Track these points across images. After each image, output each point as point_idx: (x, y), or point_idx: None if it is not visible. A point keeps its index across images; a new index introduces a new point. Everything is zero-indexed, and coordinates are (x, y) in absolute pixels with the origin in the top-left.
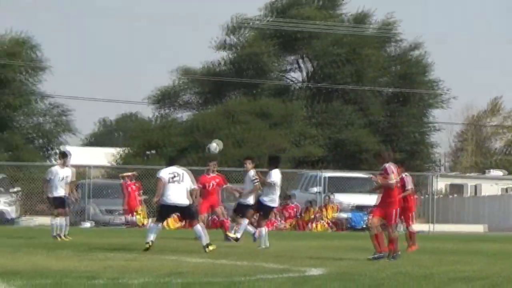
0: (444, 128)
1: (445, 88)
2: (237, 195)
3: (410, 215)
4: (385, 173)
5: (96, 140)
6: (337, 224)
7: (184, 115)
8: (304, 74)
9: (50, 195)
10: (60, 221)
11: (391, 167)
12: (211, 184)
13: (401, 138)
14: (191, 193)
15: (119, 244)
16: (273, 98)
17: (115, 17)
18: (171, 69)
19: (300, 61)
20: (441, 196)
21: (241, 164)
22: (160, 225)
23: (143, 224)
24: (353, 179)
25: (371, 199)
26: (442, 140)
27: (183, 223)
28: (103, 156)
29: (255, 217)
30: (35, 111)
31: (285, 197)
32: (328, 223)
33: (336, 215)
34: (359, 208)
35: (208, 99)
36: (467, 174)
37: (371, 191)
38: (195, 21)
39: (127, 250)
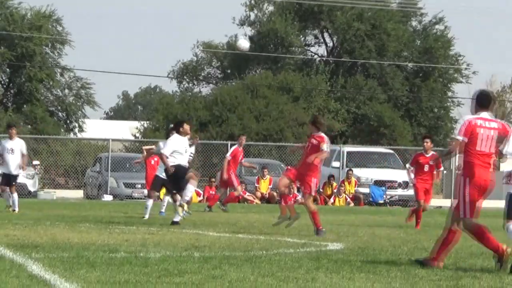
0: (464, 104)
1: (466, 63)
2: (255, 170)
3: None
4: (322, 141)
5: (116, 114)
6: (357, 199)
7: (205, 89)
8: (326, 48)
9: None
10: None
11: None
12: (240, 156)
13: (422, 113)
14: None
15: (138, 218)
16: (294, 73)
17: None
18: (192, 44)
19: (321, 35)
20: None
21: (260, 139)
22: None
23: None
24: (373, 154)
25: (391, 174)
26: (464, 116)
27: (201, 197)
28: (126, 130)
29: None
30: (58, 85)
31: None
32: (348, 198)
33: (355, 189)
34: (378, 183)
35: (229, 74)
36: None
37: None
38: None
39: (146, 224)
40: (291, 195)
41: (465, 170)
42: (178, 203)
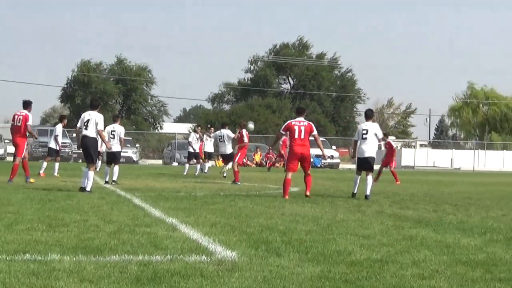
0: (361, 115)
1: (363, 93)
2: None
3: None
4: (242, 135)
5: (180, 119)
6: None
7: (226, 107)
8: (290, 86)
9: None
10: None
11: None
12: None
13: (340, 120)
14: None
15: (192, 175)
16: (273, 98)
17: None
18: (220, 83)
19: (288, 78)
20: None
21: (255, 132)
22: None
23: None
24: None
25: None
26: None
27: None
28: (185, 128)
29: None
30: (149, 104)
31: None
32: None
33: None
34: (318, 156)
35: (239, 99)
36: None
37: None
38: (237, 53)
39: (196, 177)
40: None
41: (289, 148)
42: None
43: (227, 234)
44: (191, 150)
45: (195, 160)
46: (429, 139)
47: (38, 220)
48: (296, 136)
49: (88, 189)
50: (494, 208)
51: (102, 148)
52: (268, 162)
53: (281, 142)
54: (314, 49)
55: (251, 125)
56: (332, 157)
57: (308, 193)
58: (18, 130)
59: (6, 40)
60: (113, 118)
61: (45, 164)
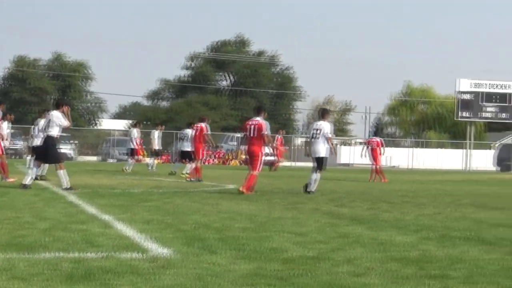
0: (301, 112)
1: (303, 90)
2: None
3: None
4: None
5: (120, 115)
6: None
7: (164, 104)
8: (228, 82)
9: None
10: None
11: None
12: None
13: (279, 118)
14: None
15: (129, 172)
16: (211, 95)
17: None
18: (157, 78)
19: (226, 76)
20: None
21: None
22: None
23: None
24: None
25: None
26: (301, 118)
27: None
28: (122, 124)
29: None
30: (85, 101)
31: (217, 146)
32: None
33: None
34: None
35: (178, 95)
36: None
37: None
38: (172, 50)
39: (130, 174)
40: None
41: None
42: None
43: (162, 231)
44: (131, 146)
45: (137, 157)
46: (366, 137)
47: None
48: (248, 134)
49: (64, 186)
50: (429, 206)
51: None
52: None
53: (276, 142)
54: (254, 46)
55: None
56: (271, 154)
57: (242, 189)
58: None
59: None
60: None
61: None
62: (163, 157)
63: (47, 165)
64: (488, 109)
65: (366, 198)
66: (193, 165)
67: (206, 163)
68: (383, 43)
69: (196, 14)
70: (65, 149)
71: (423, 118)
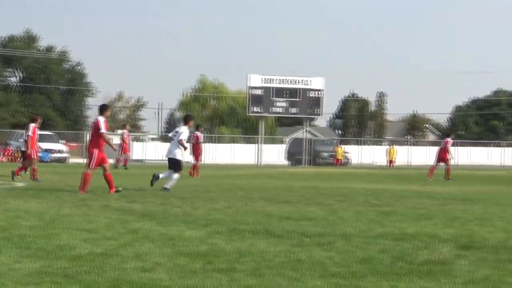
0: (92, 108)
1: (94, 86)
2: None
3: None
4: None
5: None
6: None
7: None
8: (18, 78)
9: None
10: None
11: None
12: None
13: (70, 114)
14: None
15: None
16: None
17: None
18: None
19: (15, 71)
20: None
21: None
22: None
23: None
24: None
25: (54, 146)
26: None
27: None
28: None
29: None
30: None
31: (6, 144)
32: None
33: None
34: (47, 151)
35: None
36: None
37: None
38: None
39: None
40: None
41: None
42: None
43: None
44: None
45: None
46: (160, 132)
47: None
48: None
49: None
50: (220, 200)
51: None
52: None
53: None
54: (43, 41)
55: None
56: (61, 151)
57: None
58: None
59: None
60: None
61: None
62: None
63: None
64: (279, 104)
65: (158, 194)
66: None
67: None
68: (175, 38)
69: None
70: None
71: (215, 113)
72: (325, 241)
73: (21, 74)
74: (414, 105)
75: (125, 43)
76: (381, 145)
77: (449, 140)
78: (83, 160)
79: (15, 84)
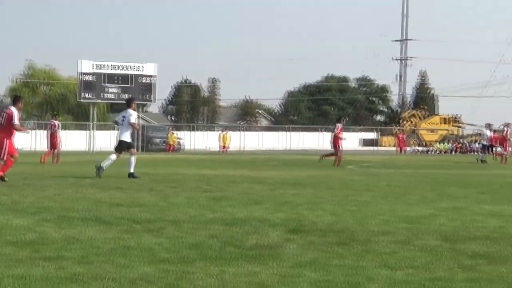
0: None
1: None
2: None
3: None
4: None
5: None
6: None
7: None
8: None
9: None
10: None
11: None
12: None
13: None
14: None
15: None
16: None
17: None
18: None
19: None
20: None
21: None
22: None
23: None
24: None
25: None
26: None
27: None
28: None
29: None
30: None
31: None
32: None
33: None
34: None
35: None
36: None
37: None
38: None
39: None
40: None
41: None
42: None
43: None
44: None
45: None
46: None
47: None
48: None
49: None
50: (50, 188)
51: None
52: None
53: None
54: None
55: None
56: None
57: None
58: None
59: None
60: None
61: None
62: None
63: None
64: (111, 90)
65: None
66: None
67: None
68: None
69: None
70: None
71: (46, 99)
72: (155, 227)
73: None
74: (247, 91)
75: None
76: (214, 130)
77: (339, 125)
78: None
79: None
